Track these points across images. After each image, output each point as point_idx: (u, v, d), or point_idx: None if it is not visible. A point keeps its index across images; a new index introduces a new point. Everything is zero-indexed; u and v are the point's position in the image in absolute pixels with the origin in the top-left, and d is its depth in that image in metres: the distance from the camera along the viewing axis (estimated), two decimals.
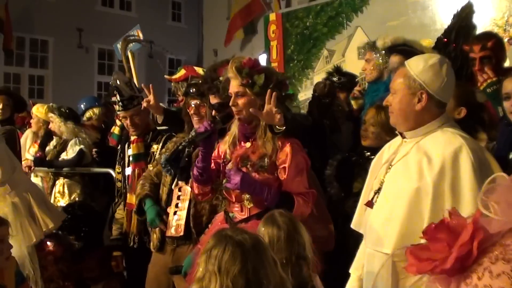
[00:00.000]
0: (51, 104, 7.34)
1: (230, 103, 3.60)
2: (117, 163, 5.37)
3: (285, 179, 3.53)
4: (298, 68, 9.31)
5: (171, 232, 4.28)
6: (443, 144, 2.82)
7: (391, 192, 2.94)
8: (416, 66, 2.92)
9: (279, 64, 9.34)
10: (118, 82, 4.98)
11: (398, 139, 3.12)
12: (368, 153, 4.23)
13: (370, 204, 3.05)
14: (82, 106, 7.74)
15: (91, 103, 7.82)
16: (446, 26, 4.95)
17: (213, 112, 4.14)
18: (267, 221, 2.98)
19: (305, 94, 8.89)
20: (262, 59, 9.43)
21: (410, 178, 2.83)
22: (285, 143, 3.58)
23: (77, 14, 15.83)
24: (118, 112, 5.03)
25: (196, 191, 3.86)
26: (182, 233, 4.20)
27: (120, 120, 5.34)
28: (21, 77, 15.70)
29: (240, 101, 3.57)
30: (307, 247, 2.93)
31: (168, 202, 4.35)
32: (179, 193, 4.34)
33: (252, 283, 2.19)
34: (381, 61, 5.42)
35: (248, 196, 3.60)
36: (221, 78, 3.89)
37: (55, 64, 15.99)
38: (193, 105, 4.34)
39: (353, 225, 3.33)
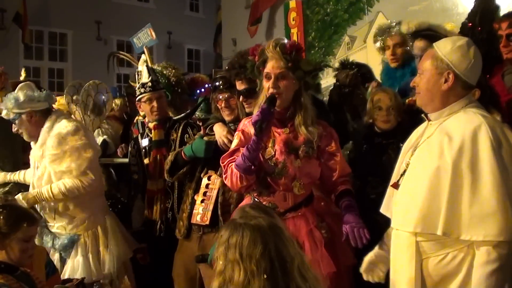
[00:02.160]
0: (75, 96, 7.32)
1: (271, 85, 3.52)
2: (130, 154, 5.37)
3: (339, 161, 3.64)
4: (320, 55, 9.26)
5: (197, 219, 4.27)
6: (463, 123, 2.84)
7: (414, 173, 2.96)
8: (444, 47, 2.97)
9: None
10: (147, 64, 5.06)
11: (424, 124, 3.15)
12: (380, 139, 4.39)
13: (396, 185, 3.09)
14: (103, 97, 7.73)
15: (112, 94, 7.81)
16: (468, 10, 4.89)
17: (241, 99, 4.11)
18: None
19: (327, 81, 8.81)
20: None
21: (432, 157, 2.85)
22: (326, 126, 3.68)
23: (95, 7, 15.89)
24: (143, 95, 5.01)
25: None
26: (208, 222, 4.19)
27: (140, 107, 5.34)
28: (41, 71, 15.79)
29: (282, 84, 3.52)
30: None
31: (196, 189, 4.34)
32: (208, 182, 4.31)
33: (276, 263, 2.18)
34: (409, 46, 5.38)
35: (300, 183, 3.57)
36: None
37: (74, 57, 16.07)
38: (222, 99, 4.29)
39: (381, 209, 3.34)
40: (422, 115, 3.14)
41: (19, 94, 4.63)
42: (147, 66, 5.07)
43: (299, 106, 3.58)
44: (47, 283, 3.72)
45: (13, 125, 4.75)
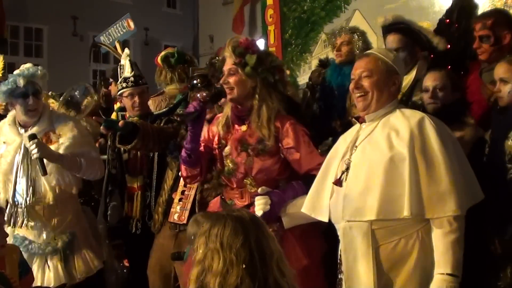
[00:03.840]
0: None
1: (221, 81, 3.64)
2: (109, 149, 5.28)
3: (300, 158, 3.61)
4: (296, 52, 9.30)
5: (174, 218, 4.28)
6: (406, 118, 3.09)
7: (362, 167, 3.09)
8: (387, 55, 3.25)
9: (277, 49, 9.30)
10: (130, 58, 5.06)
11: (353, 128, 3.35)
12: None
13: (338, 182, 3.17)
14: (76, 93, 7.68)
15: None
16: (444, 9, 4.96)
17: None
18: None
19: (303, 79, 8.85)
20: (260, 45, 9.35)
21: (381, 150, 3.04)
22: (285, 123, 3.63)
23: (71, 2, 15.70)
24: (124, 90, 4.99)
25: (184, 174, 3.86)
26: (185, 221, 4.18)
27: (121, 102, 5.29)
28: (16, 66, 15.40)
29: (231, 80, 3.61)
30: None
31: (174, 187, 4.33)
32: None
33: (256, 255, 2.20)
34: (360, 45, 5.40)
35: (251, 181, 3.62)
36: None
37: (50, 53, 15.91)
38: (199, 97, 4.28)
39: (304, 210, 3.40)
40: (353, 119, 3.37)
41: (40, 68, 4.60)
42: (130, 60, 5.03)
43: (255, 103, 3.63)
44: (20, 284, 3.67)
45: (32, 98, 4.47)
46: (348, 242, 3.12)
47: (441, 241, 2.90)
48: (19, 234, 4.51)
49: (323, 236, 3.67)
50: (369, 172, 3.04)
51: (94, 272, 4.64)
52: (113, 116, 6.44)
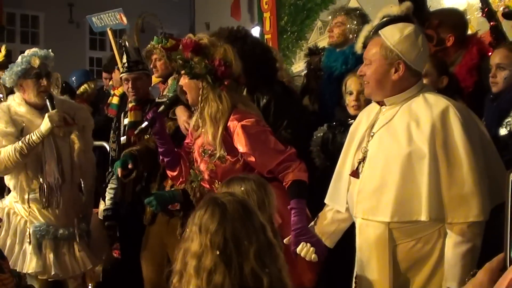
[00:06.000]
0: None
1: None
2: (112, 131, 5.31)
3: (255, 161, 3.42)
4: (292, 39, 9.24)
5: None
6: (429, 106, 2.83)
7: (379, 160, 2.92)
8: (392, 36, 2.93)
9: (273, 36, 9.26)
10: (127, 43, 5.04)
11: (375, 106, 3.12)
12: (352, 121, 4.28)
13: (355, 174, 3.02)
14: (73, 79, 7.72)
15: (85, 77, 7.80)
16: None
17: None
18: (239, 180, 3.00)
19: (299, 66, 8.82)
20: (255, 32, 9.34)
21: (399, 143, 2.83)
22: (236, 125, 3.43)
23: None
24: (122, 75, 5.00)
25: (168, 175, 3.93)
26: (178, 207, 4.19)
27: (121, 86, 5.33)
28: (12, 54, 15.53)
29: (183, 83, 3.57)
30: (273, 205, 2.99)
31: (165, 175, 4.32)
32: None
33: (229, 242, 2.18)
34: (354, 27, 5.33)
35: (219, 183, 3.50)
36: None
37: (47, 40, 15.82)
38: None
39: (327, 200, 3.29)
40: (373, 101, 3.12)
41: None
42: (124, 45, 5.04)
43: (200, 106, 3.51)
44: None
45: (45, 79, 4.60)
46: (364, 240, 2.99)
47: (450, 251, 2.75)
48: (41, 223, 4.42)
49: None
50: (385, 167, 2.86)
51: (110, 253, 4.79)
52: (115, 100, 6.48)
